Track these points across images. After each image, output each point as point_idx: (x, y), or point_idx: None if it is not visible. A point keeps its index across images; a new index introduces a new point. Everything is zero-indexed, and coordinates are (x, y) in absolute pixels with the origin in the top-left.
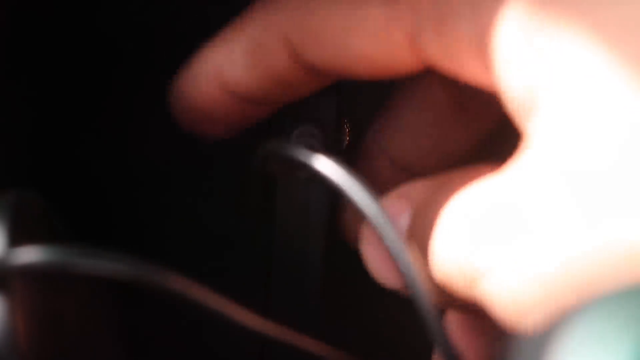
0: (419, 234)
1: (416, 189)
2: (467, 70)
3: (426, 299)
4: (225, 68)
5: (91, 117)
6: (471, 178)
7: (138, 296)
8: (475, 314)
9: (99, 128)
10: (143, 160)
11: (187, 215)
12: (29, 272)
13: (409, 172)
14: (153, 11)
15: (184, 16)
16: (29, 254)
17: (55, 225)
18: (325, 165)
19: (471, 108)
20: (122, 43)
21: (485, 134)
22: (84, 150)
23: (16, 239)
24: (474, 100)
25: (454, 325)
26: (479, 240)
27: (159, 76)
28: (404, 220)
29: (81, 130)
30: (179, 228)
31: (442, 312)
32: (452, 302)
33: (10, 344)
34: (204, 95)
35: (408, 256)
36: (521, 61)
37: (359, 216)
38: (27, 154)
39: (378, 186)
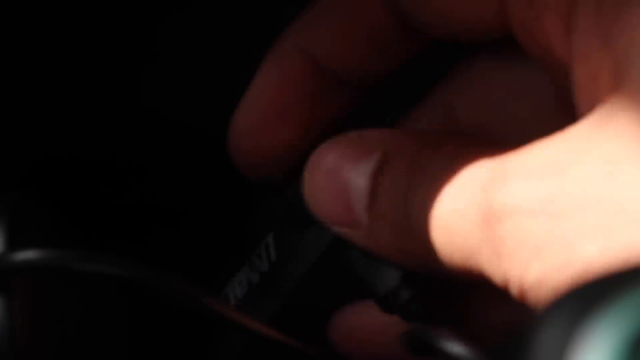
0: (401, 182)
1: (394, 135)
2: (545, 36)
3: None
4: (312, 41)
5: (91, 117)
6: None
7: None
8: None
9: (99, 128)
10: (143, 160)
11: (197, 218)
12: (28, 273)
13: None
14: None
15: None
16: (29, 255)
17: (54, 226)
18: None
19: None
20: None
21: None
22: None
23: (16, 240)
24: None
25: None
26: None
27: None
28: (370, 163)
29: (81, 130)
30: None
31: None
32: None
33: (9, 343)
34: (283, 90)
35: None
36: (605, 31)
37: None
38: (27, 154)
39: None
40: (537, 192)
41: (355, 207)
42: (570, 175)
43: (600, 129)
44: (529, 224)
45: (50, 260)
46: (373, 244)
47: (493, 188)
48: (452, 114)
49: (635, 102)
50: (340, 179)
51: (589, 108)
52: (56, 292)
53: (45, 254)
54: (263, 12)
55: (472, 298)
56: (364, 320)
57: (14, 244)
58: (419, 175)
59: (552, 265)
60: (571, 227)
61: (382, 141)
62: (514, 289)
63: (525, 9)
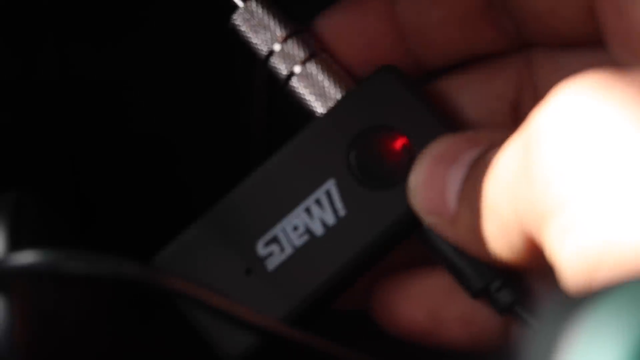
0: (484, 171)
1: (490, 133)
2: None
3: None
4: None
5: (91, 117)
6: None
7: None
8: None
9: (98, 128)
10: (143, 160)
11: (188, 219)
12: (28, 274)
13: None
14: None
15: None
16: (29, 256)
17: (54, 226)
18: None
19: None
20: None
21: None
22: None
23: (16, 240)
24: None
25: None
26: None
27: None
28: (469, 156)
29: (81, 131)
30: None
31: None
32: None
33: (9, 344)
34: None
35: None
36: None
37: None
38: (27, 154)
39: None
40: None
41: (448, 196)
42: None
43: None
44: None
45: (50, 261)
46: (456, 232)
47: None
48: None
49: None
50: (443, 168)
51: None
52: (56, 292)
53: (45, 254)
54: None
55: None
56: (407, 294)
57: (14, 245)
58: (491, 164)
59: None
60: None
61: (491, 136)
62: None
63: (616, 18)
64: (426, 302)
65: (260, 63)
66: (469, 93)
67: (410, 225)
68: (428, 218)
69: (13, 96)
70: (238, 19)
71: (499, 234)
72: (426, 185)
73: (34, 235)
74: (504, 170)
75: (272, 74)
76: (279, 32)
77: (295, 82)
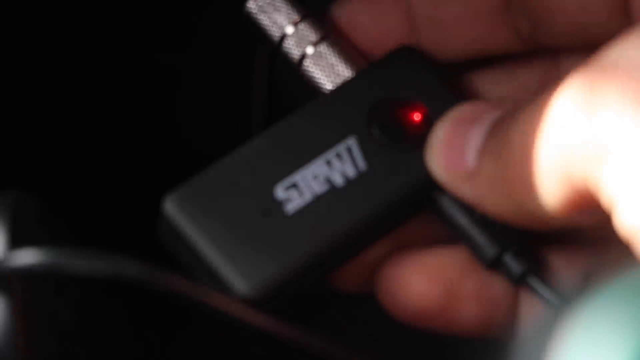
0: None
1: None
2: None
3: None
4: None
5: (91, 117)
6: None
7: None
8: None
9: (98, 128)
10: (143, 159)
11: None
12: (28, 274)
13: None
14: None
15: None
16: (29, 256)
17: (54, 226)
18: None
19: None
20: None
21: None
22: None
23: (16, 240)
24: None
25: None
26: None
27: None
28: (491, 116)
29: (81, 130)
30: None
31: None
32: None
33: (9, 344)
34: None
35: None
36: None
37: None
38: (27, 154)
39: None
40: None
41: (467, 152)
42: None
43: None
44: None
45: (50, 261)
46: (475, 187)
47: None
48: None
49: None
50: (464, 128)
51: None
52: (56, 292)
53: (45, 254)
54: None
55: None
56: (420, 268)
57: (14, 244)
58: (519, 115)
59: None
60: None
61: (513, 103)
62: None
63: None
64: (441, 278)
65: (270, 51)
66: (492, 81)
67: (426, 191)
68: (444, 175)
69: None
70: (251, 5)
71: (532, 185)
72: (445, 144)
73: (33, 235)
74: (555, 111)
75: (285, 57)
76: (292, 16)
77: (308, 64)
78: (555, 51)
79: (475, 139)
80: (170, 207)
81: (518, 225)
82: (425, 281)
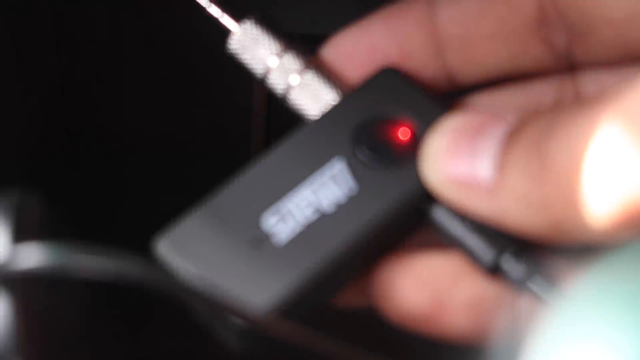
0: (539, 140)
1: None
2: None
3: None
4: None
5: (90, 117)
6: None
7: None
8: None
9: (98, 128)
10: (143, 159)
11: None
12: (32, 273)
13: None
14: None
15: None
16: (32, 255)
17: (56, 225)
18: None
19: None
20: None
21: None
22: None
23: (19, 240)
24: None
25: None
26: None
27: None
28: (500, 129)
29: (81, 130)
30: None
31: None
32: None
33: (13, 344)
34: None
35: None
36: None
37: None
38: (27, 154)
39: None
40: None
41: (480, 166)
42: None
43: None
44: None
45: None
46: (496, 202)
47: None
48: None
49: None
50: (469, 138)
51: None
52: (60, 291)
53: (49, 254)
54: None
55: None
56: (411, 274)
57: (17, 244)
58: (559, 130)
59: None
60: None
61: (513, 111)
62: None
63: None
64: (431, 284)
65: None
66: (504, 95)
67: (420, 207)
68: (452, 190)
69: (13, 95)
70: (234, 43)
71: (579, 203)
72: (450, 155)
73: (37, 235)
74: (614, 129)
75: (271, 91)
76: (274, 49)
77: (294, 94)
78: (572, 69)
79: (488, 150)
80: (162, 248)
81: (546, 242)
82: (413, 287)
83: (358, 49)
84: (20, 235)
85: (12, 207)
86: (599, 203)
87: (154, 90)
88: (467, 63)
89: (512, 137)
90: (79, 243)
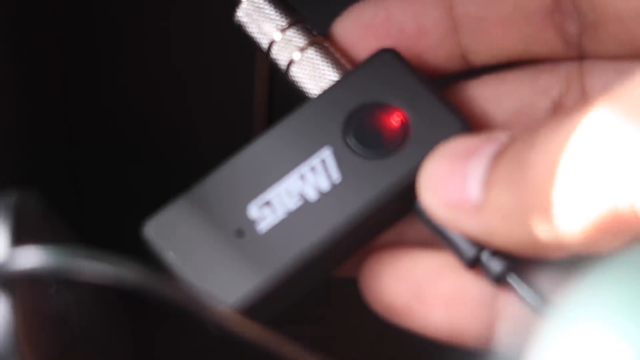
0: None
1: (506, 131)
2: None
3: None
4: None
5: (90, 117)
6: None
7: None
8: None
9: (98, 128)
10: (144, 158)
11: None
12: (31, 274)
13: None
14: None
15: None
16: (32, 256)
17: (56, 226)
18: None
19: None
20: None
21: None
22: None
23: (19, 240)
24: None
25: None
26: None
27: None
28: (489, 149)
29: (81, 130)
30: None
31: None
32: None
33: (12, 346)
34: None
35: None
36: None
37: None
38: (27, 154)
39: None
40: None
41: (470, 186)
42: None
43: None
44: None
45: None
46: (481, 220)
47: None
48: None
49: None
50: (461, 162)
51: None
52: (59, 292)
53: (49, 255)
54: None
55: None
56: (394, 267)
57: (17, 245)
58: (539, 140)
59: None
60: None
61: (509, 133)
62: None
63: None
64: (412, 278)
65: (262, 55)
66: (511, 82)
67: (406, 197)
68: (444, 212)
69: (13, 96)
70: (241, 13)
71: (556, 209)
72: (442, 179)
73: (36, 236)
74: (594, 131)
75: (274, 64)
76: (280, 23)
77: (295, 69)
78: (581, 58)
79: (476, 171)
80: (149, 232)
81: (529, 256)
82: (395, 279)
83: (375, 20)
84: (19, 236)
85: (12, 208)
86: (575, 213)
87: (156, 91)
88: (481, 43)
89: (498, 154)
90: (78, 244)
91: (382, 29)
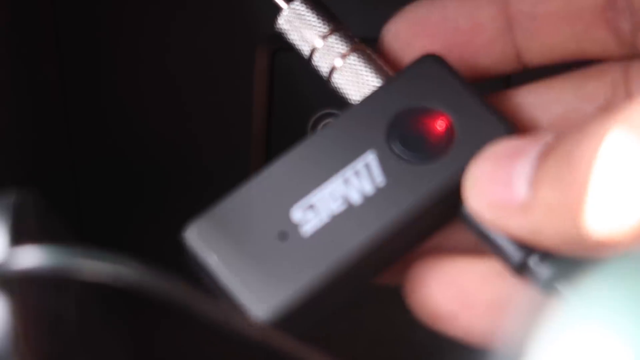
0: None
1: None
2: None
3: None
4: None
5: (90, 117)
6: None
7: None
8: None
9: (97, 127)
10: (144, 158)
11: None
12: (31, 274)
13: None
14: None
15: None
16: (31, 256)
17: (55, 226)
18: None
19: None
20: None
21: None
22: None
23: (18, 240)
24: None
25: None
26: None
27: None
28: (535, 149)
29: (81, 130)
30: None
31: None
32: None
33: (11, 345)
34: None
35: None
36: None
37: None
38: (27, 154)
39: None
40: None
41: (516, 185)
42: None
43: None
44: None
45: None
46: (529, 218)
47: None
48: None
49: None
50: (507, 161)
51: None
52: (58, 292)
53: (48, 254)
54: None
55: None
56: (440, 273)
57: (16, 245)
58: (588, 138)
59: None
60: None
61: (552, 133)
62: None
63: None
64: (458, 285)
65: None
66: (557, 88)
67: (450, 202)
68: (490, 213)
69: (13, 96)
70: (282, 21)
71: (611, 205)
72: (488, 181)
73: (36, 236)
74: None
75: (316, 71)
76: (321, 30)
77: (336, 76)
78: (627, 65)
79: (523, 170)
80: (191, 236)
81: (575, 255)
82: (441, 287)
83: (430, 18)
84: (18, 236)
85: (11, 208)
86: (626, 208)
87: (155, 91)
88: (533, 41)
89: (545, 153)
90: (77, 244)
91: (437, 28)
